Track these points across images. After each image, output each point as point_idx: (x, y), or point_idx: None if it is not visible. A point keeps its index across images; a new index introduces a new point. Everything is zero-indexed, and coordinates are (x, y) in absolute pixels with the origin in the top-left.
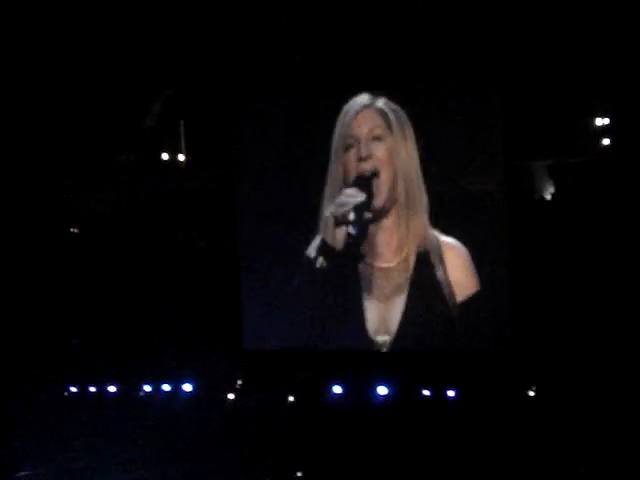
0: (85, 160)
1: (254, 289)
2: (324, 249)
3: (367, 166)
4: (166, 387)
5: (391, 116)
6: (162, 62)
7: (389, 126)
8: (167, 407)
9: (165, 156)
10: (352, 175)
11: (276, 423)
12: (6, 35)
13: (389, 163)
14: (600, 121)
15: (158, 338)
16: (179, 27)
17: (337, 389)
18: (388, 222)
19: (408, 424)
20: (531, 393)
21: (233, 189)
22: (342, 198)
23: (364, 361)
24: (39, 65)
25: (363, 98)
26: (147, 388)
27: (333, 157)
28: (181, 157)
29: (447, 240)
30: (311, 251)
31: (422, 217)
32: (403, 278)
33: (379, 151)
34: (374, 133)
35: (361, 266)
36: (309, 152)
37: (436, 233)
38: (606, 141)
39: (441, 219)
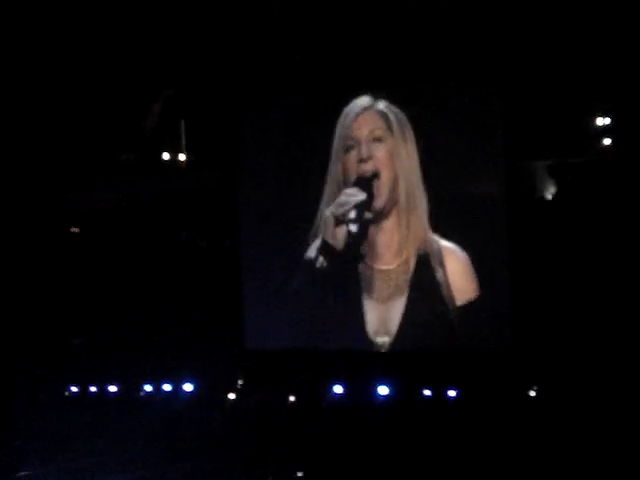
0: (86, 160)
1: (255, 289)
2: (324, 249)
3: (367, 167)
4: (167, 387)
5: (392, 118)
6: (163, 62)
7: (390, 127)
8: (168, 407)
9: (166, 156)
10: (352, 176)
11: (277, 423)
12: (8, 36)
13: (389, 164)
14: (601, 121)
15: (159, 338)
16: (180, 27)
17: (338, 389)
18: (388, 224)
19: (409, 424)
20: (532, 393)
21: (234, 189)
22: (342, 198)
23: (365, 361)
24: (40, 65)
25: (364, 100)
26: (148, 388)
27: (333, 158)
28: (182, 157)
29: (447, 245)
30: (311, 251)
31: (422, 220)
32: (403, 280)
33: (379, 152)
34: (375, 134)
35: (361, 267)
36: (309, 153)
37: (436, 237)
38: (607, 141)
39: (441, 222)
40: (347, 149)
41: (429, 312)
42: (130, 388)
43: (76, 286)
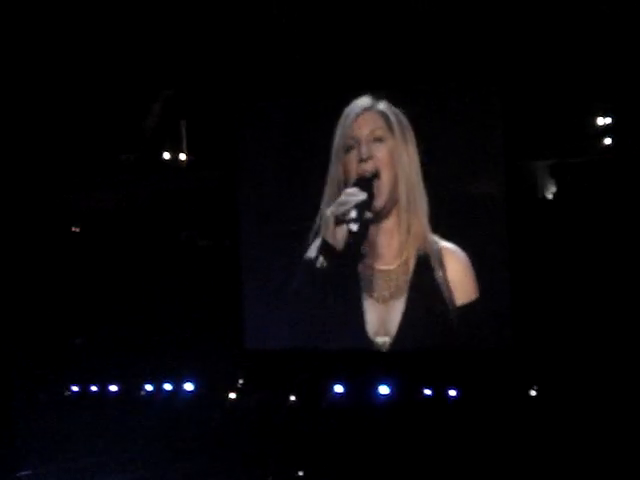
0: (87, 160)
1: (255, 289)
2: (325, 249)
3: (368, 167)
4: (167, 386)
5: (392, 118)
6: (163, 62)
7: (390, 128)
8: (168, 406)
9: (166, 156)
10: (352, 176)
11: (277, 423)
12: (8, 36)
13: (390, 164)
14: (601, 121)
15: (159, 337)
16: (180, 27)
17: (338, 389)
18: (389, 224)
19: (409, 424)
20: (532, 393)
21: (234, 189)
22: (343, 197)
23: (365, 361)
24: (41, 66)
25: (364, 100)
26: (148, 387)
27: (334, 158)
28: (182, 157)
29: (447, 245)
30: (311, 251)
31: (422, 220)
32: (403, 280)
33: (380, 152)
34: (375, 134)
35: (361, 267)
36: (310, 153)
37: (436, 238)
38: (607, 141)
39: (441, 223)
40: (347, 149)
41: (429, 312)
42: (130, 388)
43: (76, 286)
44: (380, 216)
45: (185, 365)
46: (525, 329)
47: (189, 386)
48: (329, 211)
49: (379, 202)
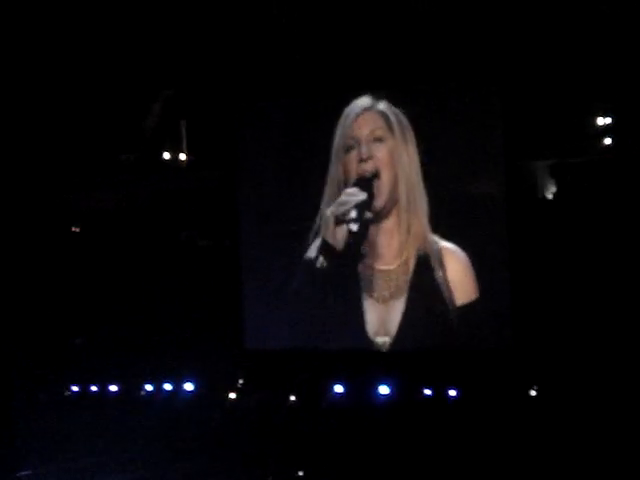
0: (87, 160)
1: (255, 289)
2: (325, 249)
3: (368, 167)
4: (167, 386)
5: (392, 118)
6: (163, 62)
7: (390, 128)
8: (168, 406)
9: (166, 156)
10: (352, 176)
11: (277, 423)
12: (8, 36)
13: (390, 165)
14: (601, 120)
15: (159, 337)
16: (180, 27)
17: (339, 389)
18: (389, 224)
19: (409, 424)
20: (532, 393)
21: (234, 189)
22: (343, 197)
23: (365, 361)
24: (41, 66)
25: (364, 100)
26: (148, 387)
27: (334, 158)
28: (182, 157)
29: (447, 245)
30: (312, 251)
31: (422, 220)
32: (403, 281)
33: (380, 152)
34: (375, 134)
35: (361, 267)
36: (310, 153)
37: (436, 238)
38: (607, 141)
39: (441, 223)
40: (347, 149)
41: (429, 312)
42: (131, 388)
43: (77, 286)
44: (380, 216)
45: (185, 365)
46: (525, 329)
47: (189, 386)
48: (329, 211)
49: (379, 202)
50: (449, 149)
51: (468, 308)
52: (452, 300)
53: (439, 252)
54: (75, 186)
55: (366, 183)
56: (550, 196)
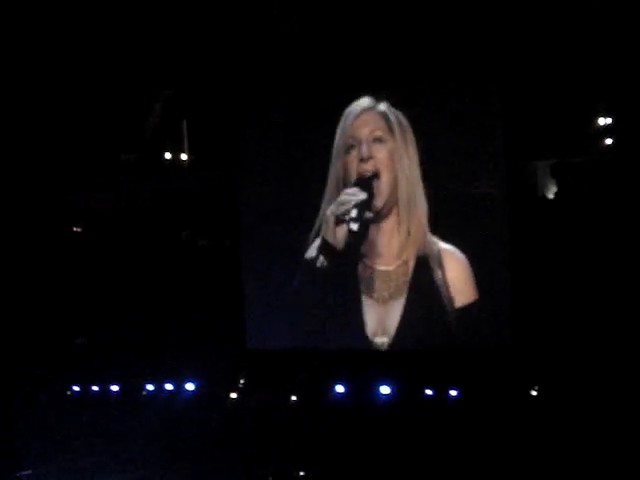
0: (88, 160)
1: (256, 288)
2: (325, 248)
3: (368, 167)
4: (169, 386)
5: (393, 120)
6: (164, 63)
7: (390, 129)
8: (170, 406)
9: (168, 156)
10: (352, 176)
11: (278, 422)
12: (9, 36)
13: (390, 165)
14: (602, 121)
15: (160, 337)
16: (182, 28)
17: (340, 388)
18: (388, 225)
19: (410, 423)
20: (533, 392)
21: (235, 189)
22: (343, 197)
23: (367, 361)
24: (41, 66)
25: (365, 101)
26: (149, 387)
27: (334, 158)
28: (183, 157)
29: (446, 247)
30: (312, 251)
31: (422, 222)
32: (402, 281)
33: (380, 153)
34: (375, 135)
35: (361, 268)
36: (310, 153)
37: (435, 239)
38: (608, 141)
39: (441, 224)
40: (348, 149)
41: (428, 313)
42: (132, 388)
43: (77, 286)
44: (380, 216)
45: (186, 365)
46: (525, 329)
47: (190, 386)
48: (329, 210)
49: (379, 202)
50: (449, 149)
51: (467, 309)
52: (451, 301)
53: (438, 254)
54: (76, 186)
55: (366, 183)
56: (550, 196)
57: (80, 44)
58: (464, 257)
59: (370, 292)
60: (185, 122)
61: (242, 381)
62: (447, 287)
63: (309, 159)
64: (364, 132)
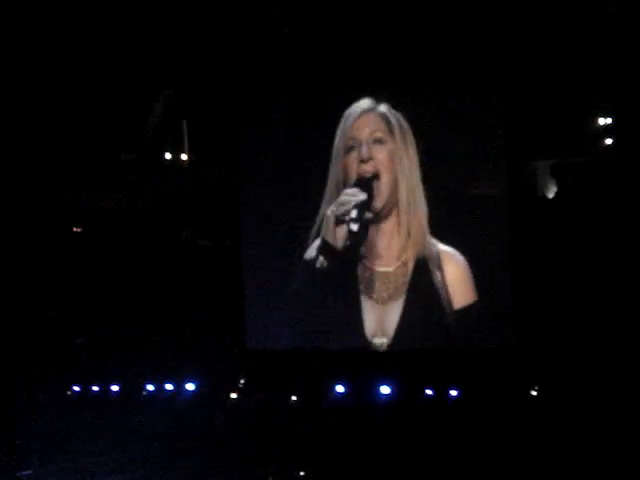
0: (88, 160)
1: (256, 288)
2: (324, 249)
3: (368, 168)
4: (169, 386)
5: (393, 121)
6: (164, 62)
7: (391, 130)
8: (170, 406)
9: (167, 156)
10: (352, 177)
11: (278, 422)
12: (9, 36)
13: (390, 166)
14: (602, 121)
15: (160, 337)
16: (181, 28)
17: (340, 389)
18: (388, 226)
19: (410, 424)
20: (533, 393)
21: (235, 189)
22: (343, 197)
23: (367, 361)
24: (42, 66)
25: (365, 102)
26: (150, 387)
27: (334, 159)
28: (184, 157)
29: (446, 249)
30: (312, 251)
31: (422, 223)
32: (401, 282)
33: (380, 154)
34: (375, 136)
35: (360, 268)
36: (310, 153)
37: (435, 241)
38: (608, 141)
39: (441, 225)
40: (348, 150)
41: (427, 315)
42: (132, 388)
43: (78, 286)
44: (380, 217)
45: (186, 365)
46: (526, 329)
47: (190, 386)
48: (329, 211)
49: (379, 203)
50: (450, 149)
51: (466, 311)
52: (450, 303)
53: (438, 255)
54: (76, 186)
55: (366, 183)
56: (551, 196)
57: (80, 44)
58: (463, 259)
59: (370, 293)
60: (185, 122)
61: (242, 381)
62: (446, 289)
63: (309, 160)
64: (364, 133)
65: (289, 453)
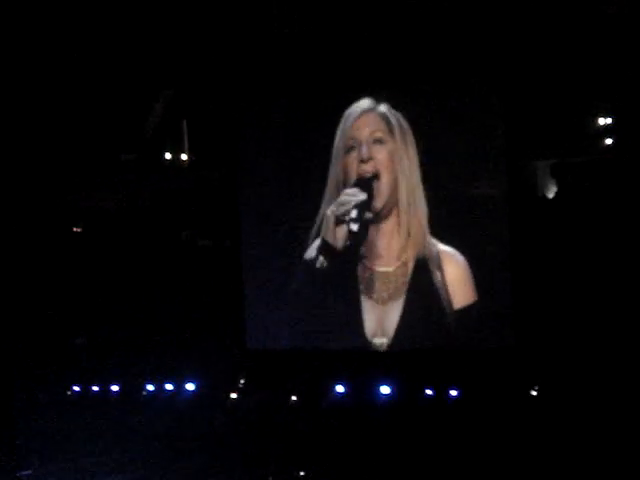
0: (88, 160)
1: (256, 289)
2: (324, 248)
3: (368, 168)
4: (169, 386)
5: (393, 121)
6: (164, 62)
7: (391, 130)
8: (170, 406)
9: (167, 156)
10: (352, 177)
11: (278, 422)
12: (9, 36)
13: (390, 167)
14: (602, 120)
15: (160, 337)
16: (181, 28)
17: (340, 389)
18: (388, 226)
19: (411, 424)
20: (533, 392)
21: (235, 189)
22: (343, 197)
23: (367, 361)
24: (42, 66)
25: (365, 102)
26: (150, 387)
27: (334, 159)
28: (184, 157)
29: (446, 249)
30: (312, 251)
31: (422, 223)
32: (401, 282)
33: (380, 154)
34: (375, 136)
35: (360, 268)
36: (310, 153)
37: (435, 241)
38: (608, 141)
39: (441, 225)
40: (348, 150)
41: (426, 315)
42: (132, 388)
43: (78, 286)
44: (380, 217)
45: (186, 365)
46: (526, 329)
47: (190, 386)
48: (329, 211)
49: (379, 203)
50: (450, 149)
51: (466, 311)
52: (450, 303)
53: (437, 255)
54: (76, 186)
55: (366, 183)
56: (551, 196)
57: (80, 44)
58: (463, 259)
59: (370, 293)
60: (185, 122)
61: (242, 381)
62: (446, 289)
63: (309, 160)
64: (364, 133)
65: (289, 453)
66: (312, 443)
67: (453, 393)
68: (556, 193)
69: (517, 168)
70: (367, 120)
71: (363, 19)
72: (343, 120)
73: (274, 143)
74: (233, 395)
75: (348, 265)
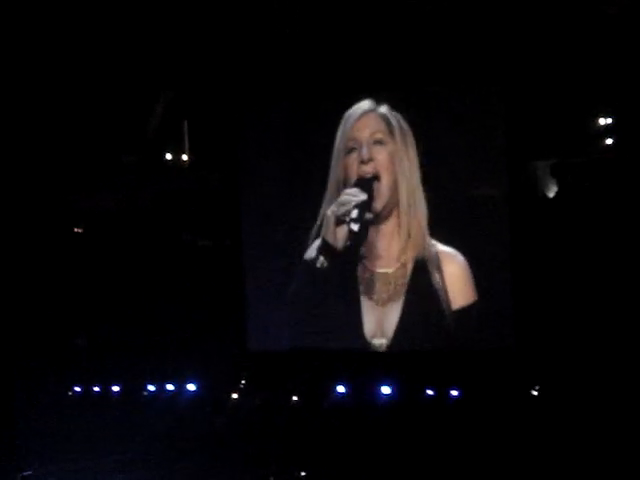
0: (89, 161)
1: (257, 289)
2: (325, 249)
3: (368, 169)
4: (170, 387)
5: (393, 123)
6: (165, 63)
7: (391, 131)
8: (171, 407)
9: (168, 157)
10: (353, 177)
11: (279, 423)
12: (9, 37)
13: (390, 168)
14: (602, 121)
15: (161, 338)
16: (182, 29)
17: (340, 389)
18: (388, 227)
19: (412, 424)
20: (534, 393)
21: (236, 190)
22: (344, 197)
23: (368, 361)
24: (42, 67)
25: (365, 104)
26: (151, 388)
27: (334, 160)
28: (184, 158)
29: (445, 249)
30: (312, 251)
31: (422, 225)
32: (401, 283)
33: (380, 155)
34: (375, 137)
35: (360, 269)
36: (311, 154)
37: (434, 242)
38: (608, 141)
39: (441, 226)
40: (348, 151)
41: (426, 316)
42: (133, 388)
43: (79, 286)
44: (380, 218)
45: (187, 366)
46: (526, 329)
47: (191, 387)
48: (330, 211)
49: (379, 203)
50: (450, 150)
51: (465, 311)
52: (449, 304)
53: (437, 256)
54: (77, 187)
55: (366, 184)
56: (551, 196)
57: (81, 45)
58: (463, 259)
59: (369, 294)
60: (186, 123)
61: (243, 382)
62: (445, 290)
63: (309, 161)
64: (364, 134)
65: (290, 453)
66: (313, 443)
67: (454, 393)
68: (556, 193)
69: (517, 168)
70: (367, 121)
71: (363, 21)
72: (343, 121)
73: (274, 144)
74: (234, 395)
75: (348, 266)
